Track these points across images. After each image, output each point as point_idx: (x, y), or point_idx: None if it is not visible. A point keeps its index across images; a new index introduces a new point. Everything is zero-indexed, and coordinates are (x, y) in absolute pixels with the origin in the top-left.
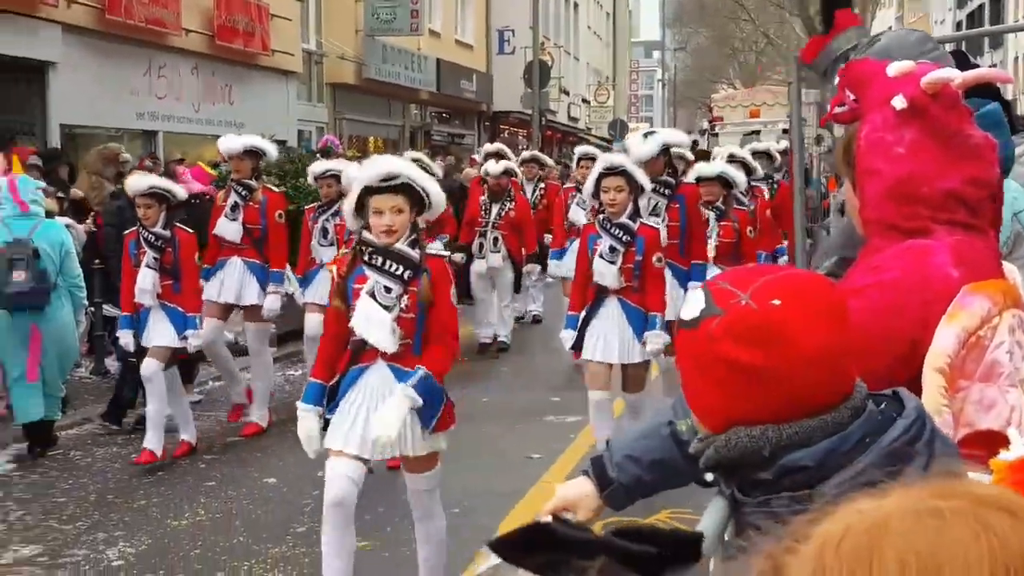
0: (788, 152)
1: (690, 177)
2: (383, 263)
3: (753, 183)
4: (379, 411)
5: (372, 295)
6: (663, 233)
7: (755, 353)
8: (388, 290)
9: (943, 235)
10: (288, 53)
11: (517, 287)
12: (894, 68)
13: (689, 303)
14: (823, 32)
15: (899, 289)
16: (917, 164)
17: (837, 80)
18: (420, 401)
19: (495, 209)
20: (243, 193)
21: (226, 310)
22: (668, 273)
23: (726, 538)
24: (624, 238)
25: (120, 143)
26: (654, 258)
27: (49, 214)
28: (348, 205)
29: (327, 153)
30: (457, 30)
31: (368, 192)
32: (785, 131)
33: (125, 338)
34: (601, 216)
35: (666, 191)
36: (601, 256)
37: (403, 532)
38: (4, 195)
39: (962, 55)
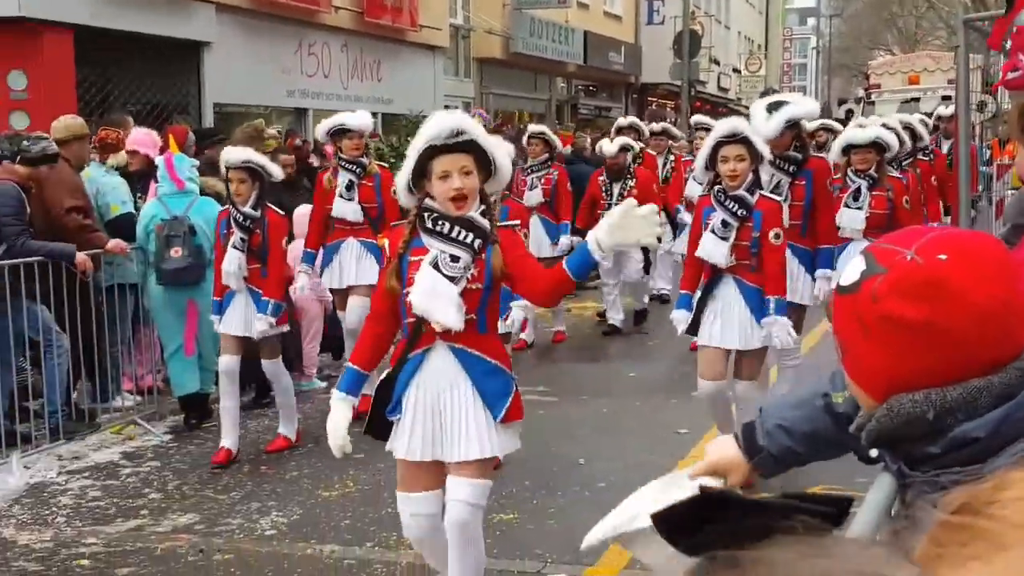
0: (941, 120)
1: (837, 145)
2: (451, 230)
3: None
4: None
5: (436, 266)
6: (785, 212)
7: (922, 308)
8: (455, 259)
9: None
10: (435, 28)
11: (647, 268)
12: None
13: (848, 270)
14: (980, 20)
15: None
16: None
17: (1009, 44)
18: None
19: (616, 189)
20: (357, 171)
21: (346, 297)
22: (790, 254)
23: (892, 513)
24: (740, 212)
25: (271, 121)
26: (771, 234)
27: (203, 191)
28: (403, 174)
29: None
30: (605, 1)
31: (431, 154)
32: (945, 98)
33: (216, 325)
34: (716, 188)
35: (791, 167)
36: (713, 231)
37: (548, 504)
38: (161, 173)
39: None
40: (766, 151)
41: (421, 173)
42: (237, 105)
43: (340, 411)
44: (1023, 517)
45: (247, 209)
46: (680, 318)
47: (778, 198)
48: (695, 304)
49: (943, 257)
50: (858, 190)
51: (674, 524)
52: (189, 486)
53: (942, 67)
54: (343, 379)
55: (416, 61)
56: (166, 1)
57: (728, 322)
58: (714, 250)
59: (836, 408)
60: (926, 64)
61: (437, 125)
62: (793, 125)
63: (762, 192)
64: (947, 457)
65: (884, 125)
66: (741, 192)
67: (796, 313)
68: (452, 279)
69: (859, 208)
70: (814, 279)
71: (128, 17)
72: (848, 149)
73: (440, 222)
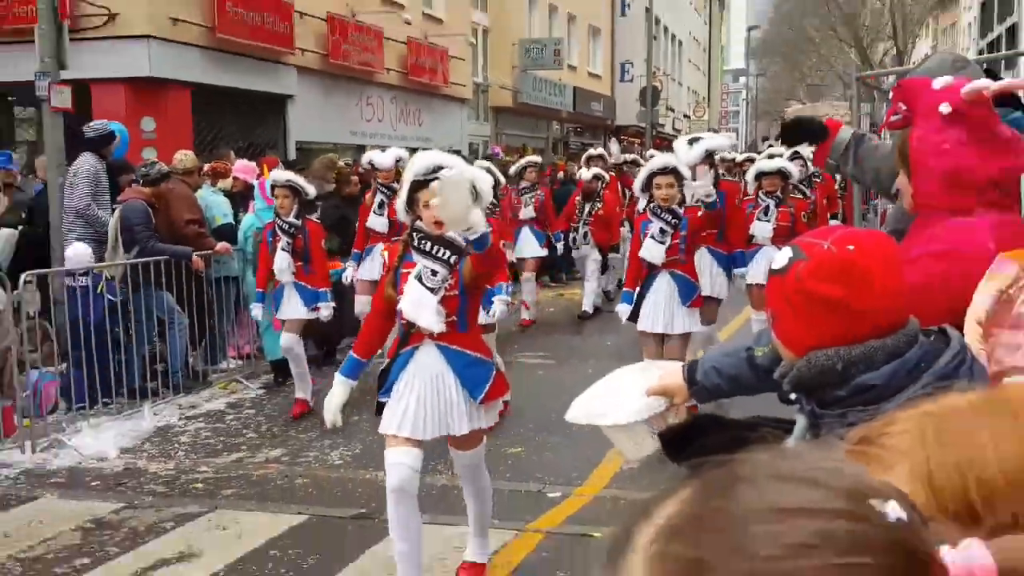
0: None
1: (751, 172)
2: (431, 248)
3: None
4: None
5: (419, 279)
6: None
7: (835, 287)
8: (434, 273)
9: (982, 214)
10: (461, 85)
11: (603, 269)
12: (939, 82)
13: (778, 257)
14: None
15: (948, 258)
16: (961, 158)
17: (891, 95)
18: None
19: (587, 207)
20: (387, 193)
21: (374, 285)
22: (708, 255)
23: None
24: (672, 221)
25: (337, 154)
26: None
27: None
28: (400, 200)
29: (489, 158)
30: (589, 64)
31: (416, 187)
32: None
33: (255, 310)
34: (653, 204)
35: None
36: (652, 237)
37: (547, 441)
38: (256, 193)
39: (990, 71)
40: (688, 174)
41: (411, 201)
42: (313, 143)
43: (338, 391)
44: (906, 445)
45: (291, 219)
46: (623, 310)
47: (698, 204)
48: (635, 298)
49: (851, 248)
50: (767, 207)
51: (671, 440)
52: (278, 428)
53: (839, 113)
54: (345, 364)
55: (447, 110)
56: (260, 64)
57: (658, 311)
58: (654, 252)
59: (755, 360)
60: (827, 111)
61: (418, 164)
62: (708, 155)
63: (686, 203)
64: (851, 400)
65: (796, 153)
66: (672, 206)
67: (713, 305)
68: (432, 290)
69: (768, 221)
70: (729, 278)
71: (231, 76)
72: (759, 175)
73: (423, 241)
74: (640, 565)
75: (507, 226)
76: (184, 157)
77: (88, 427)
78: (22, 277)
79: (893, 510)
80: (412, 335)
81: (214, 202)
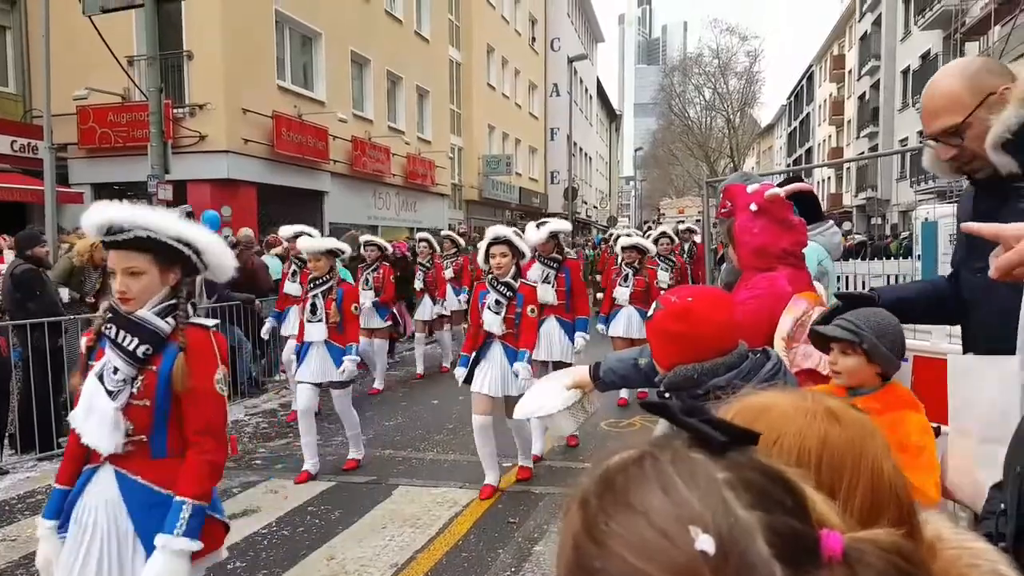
0: (689, 231)
1: (617, 246)
2: (116, 334)
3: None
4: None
5: (100, 377)
6: (550, 295)
7: (678, 325)
8: (116, 371)
9: (783, 270)
10: (443, 184)
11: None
12: (750, 187)
13: (652, 308)
14: (714, 181)
15: (763, 298)
16: (766, 237)
17: (721, 195)
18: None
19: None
20: (299, 264)
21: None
22: (556, 324)
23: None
24: (507, 293)
25: (359, 231)
26: (528, 309)
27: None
28: (480, 255)
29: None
30: (530, 172)
31: (106, 247)
32: (697, 220)
33: (267, 325)
34: (490, 276)
35: (554, 265)
36: (489, 307)
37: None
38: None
39: (796, 178)
40: (526, 250)
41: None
42: (342, 223)
43: (44, 544)
44: (741, 420)
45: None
46: (459, 373)
47: (534, 283)
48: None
49: (690, 299)
50: (627, 275)
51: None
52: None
53: (696, 205)
54: (48, 504)
55: (434, 201)
56: (304, 170)
57: (494, 376)
58: (492, 321)
59: (639, 366)
60: (687, 203)
61: (96, 218)
62: (554, 236)
63: (523, 280)
64: (706, 397)
65: (663, 234)
66: (508, 279)
67: (561, 367)
68: (111, 392)
69: (627, 287)
70: (573, 342)
71: (284, 178)
72: (623, 249)
73: (109, 326)
74: (574, 504)
75: (442, 285)
76: (243, 233)
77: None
78: None
79: (703, 542)
80: (93, 451)
81: (270, 264)
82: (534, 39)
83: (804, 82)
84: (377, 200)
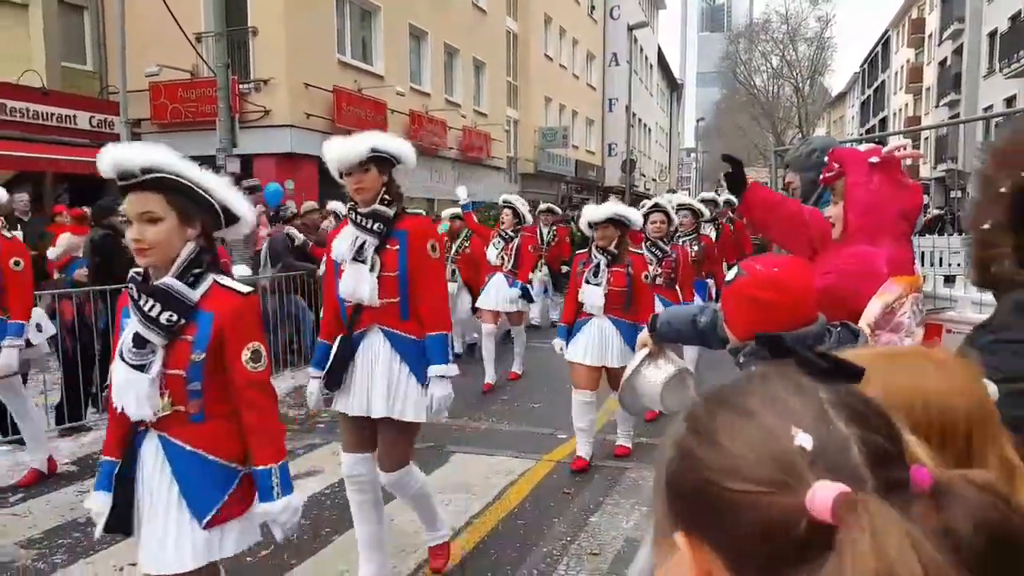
0: (728, 204)
1: (583, 222)
2: (142, 301)
3: (705, 223)
4: None
5: (121, 353)
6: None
7: (765, 293)
8: (137, 343)
9: (886, 245)
10: (499, 158)
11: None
12: (863, 147)
13: (730, 274)
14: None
15: (849, 276)
16: (882, 195)
17: (826, 159)
18: None
19: (453, 247)
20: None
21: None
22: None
23: None
24: (659, 254)
25: (420, 205)
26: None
27: None
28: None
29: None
30: (586, 144)
31: (121, 191)
32: None
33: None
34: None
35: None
36: (587, 281)
37: (558, 398)
38: None
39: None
40: (588, 232)
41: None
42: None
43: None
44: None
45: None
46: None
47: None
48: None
49: (776, 268)
50: (598, 266)
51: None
52: None
53: (760, 176)
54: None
55: (489, 175)
56: None
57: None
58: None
59: (698, 323)
60: (750, 175)
61: (104, 158)
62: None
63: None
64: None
65: (680, 204)
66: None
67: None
68: (139, 367)
69: (598, 284)
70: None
71: None
72: (591, 225)
73: (138, 293)
74: (679, 423)
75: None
76: (307, 205)
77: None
78: None
79: (803, 439)
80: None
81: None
82: (593, 7)
83: (879, 47)
84: (433, 173)
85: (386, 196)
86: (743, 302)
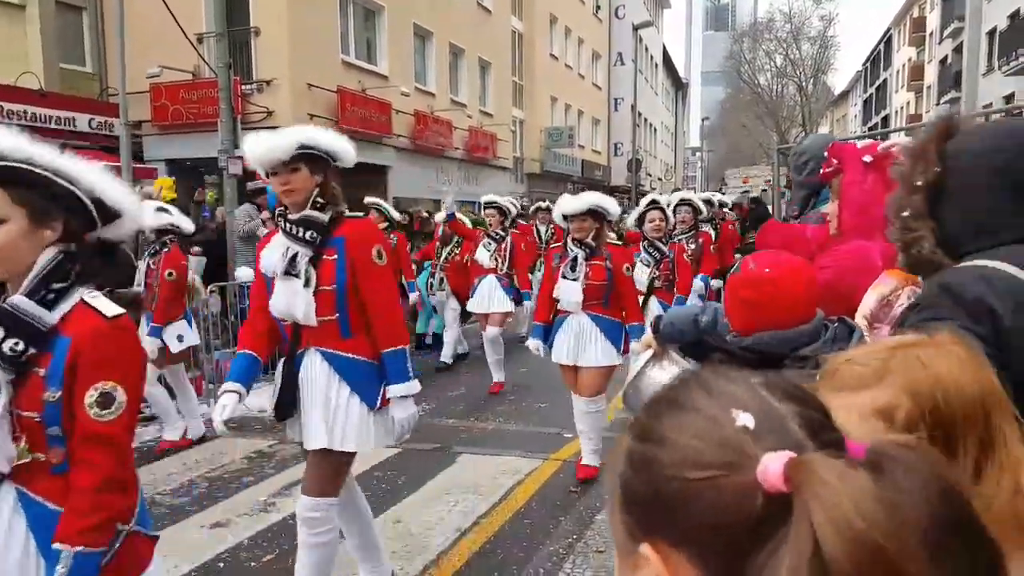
0: (722, 206)
1: (556, 213)
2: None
3: (701, 222)
4: None
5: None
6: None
7: (754, 293)
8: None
9: (880, 241)
10: (505, 158)
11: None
12: (860, 144)
13: (732, 268)
14: (785, 149)
15: (845, 270)
16: (876, 195)
17: (826, 155)
18: None
19: (444, 253)
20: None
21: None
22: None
23: None
24: (656, 255)
25: (422, 205)
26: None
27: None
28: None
29: (526, 209)
30: (592, 144)
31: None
32: (764, 190)
33: None
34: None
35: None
36: (564, 276)
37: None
38: None
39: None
40: (562, 223)
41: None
42: (406, 198)
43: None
44: (883, 368)
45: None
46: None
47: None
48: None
49: (767, 269)
50: (575, 260)
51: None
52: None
53: (763, 174)
54: None
55: (495, 175)
56: (369, 144)
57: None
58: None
59: (699, 321)
60: (754, 172)
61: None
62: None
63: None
64: (792, 363)
65: (682, 200)
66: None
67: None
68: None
69: (575, 279)
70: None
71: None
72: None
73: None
74: (621, 437)
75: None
76: None
77: (253, 389)
78: (208, 287)
79: (744, 419)
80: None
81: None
82: (598, 7)
83: (881, 46)
84: (440, 174)
85: (319, 199)
86: (734, 300)
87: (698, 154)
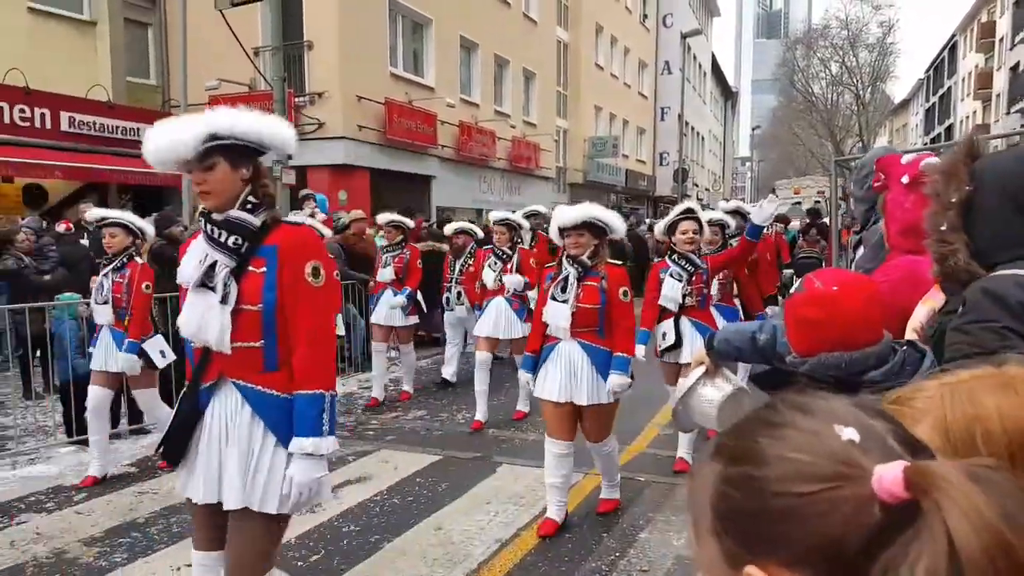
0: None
1: (552, 227)
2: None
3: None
4: None
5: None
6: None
7: (812, 311)
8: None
9: (928, 255)
10: (548, 168)
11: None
12: (905, 158)
13: (793, 287)
14: (844, 161)
15: (897, 283)
16: (916, 214)
17: (874, 167)
18: None
19: (457, 265)
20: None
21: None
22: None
23: None
24: (688, 268)
25: (465, 216)
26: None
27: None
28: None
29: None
30: (637, 153)
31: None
32: (817, 201)
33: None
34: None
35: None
36: (553, 297)
37: None
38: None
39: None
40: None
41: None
42: (448, 207)
43: None
44: (927, 406)
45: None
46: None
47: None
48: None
49: (835, 287)
50: (566, 279)
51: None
52: (422, 396)
53: (816, 185)
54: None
55: (538, 185)
56: (414, 155)
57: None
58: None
59: (757, 340)
60: (807, 182)
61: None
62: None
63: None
64: (866, 387)
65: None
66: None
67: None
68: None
69: (564, 301)
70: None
71: (396, 163)
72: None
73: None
74: (705, 461)
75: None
76: (354, 214)
77: None
78: None
79: (849, 433)
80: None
81: (380, 245)
82: (645, 16)
83: (946, 53)
84: (482, 184)
85: (251, 199)
86: (798, 320)
87: (748, 164)
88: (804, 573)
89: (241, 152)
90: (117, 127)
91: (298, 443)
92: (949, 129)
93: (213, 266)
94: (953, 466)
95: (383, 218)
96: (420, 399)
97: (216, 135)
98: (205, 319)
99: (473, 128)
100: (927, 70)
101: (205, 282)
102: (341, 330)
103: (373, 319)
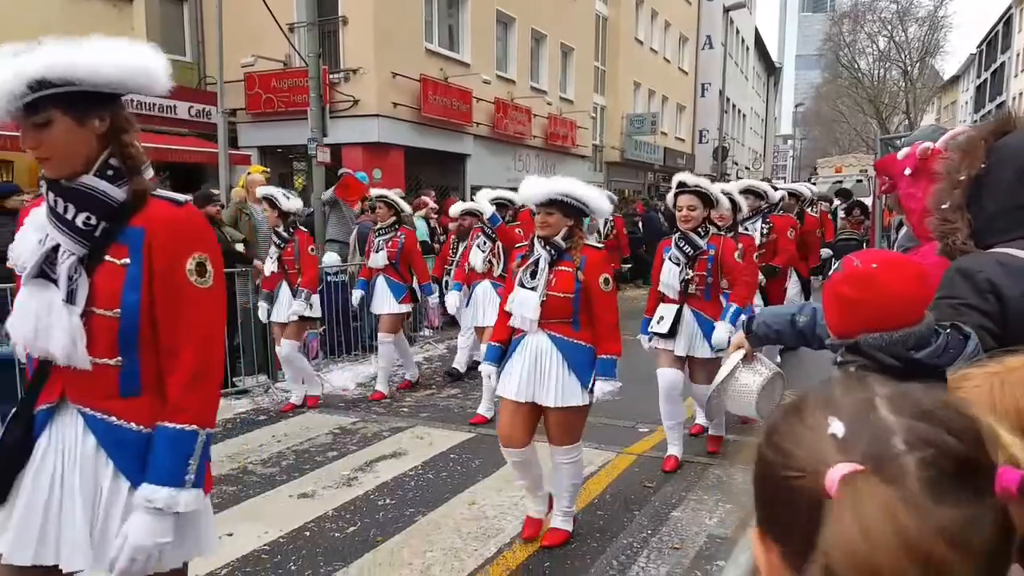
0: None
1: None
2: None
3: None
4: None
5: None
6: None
7: (857, 292)
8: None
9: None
10: (584, 146)
11: None
12: (901, 153)
13: (833, 268)
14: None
15: (936, 267)
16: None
17: (875, 172)
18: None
19: (460, 248)
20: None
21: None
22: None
23: None
24: (688, 251)
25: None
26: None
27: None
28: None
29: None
30: (676, 131)
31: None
32: (859, 180)
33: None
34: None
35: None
36: (521, 283)
37: (640, 392)
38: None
39: None
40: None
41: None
42: (482, 186)
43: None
44: (974, 396)
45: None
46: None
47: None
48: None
49: (874, 265)
50: (536, 263)
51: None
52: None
53: (859, 163)
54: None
55: (574, 163)
56: (449, 133)
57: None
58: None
59: (796, 323)
60: (852, 162)
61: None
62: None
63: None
64: (903, 373)
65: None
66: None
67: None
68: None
69: (533, 288)
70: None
71: (430, 141)
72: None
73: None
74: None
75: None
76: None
77: (337, 368)
78: None
79: (834, 427)
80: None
81: (416, 225)
82: None
83: (1000, 26)
84: (517, 162)
85: (112, 162)
86: (836, 300)
87: (790, 142)
88: (778, 544)
89: (90, 99)
90: (154, 104)
91: (149, 491)
92: (1000, 106)
93: (55, 251)
94: (876, 480)
95: (456, 210)
96: (455, 377)
97: (47, 80)
98: (45, 323)
99: (509, 105)
100: (979, 45)
101: (46, 271)
102: (317, 311)
103: (372, 309)
